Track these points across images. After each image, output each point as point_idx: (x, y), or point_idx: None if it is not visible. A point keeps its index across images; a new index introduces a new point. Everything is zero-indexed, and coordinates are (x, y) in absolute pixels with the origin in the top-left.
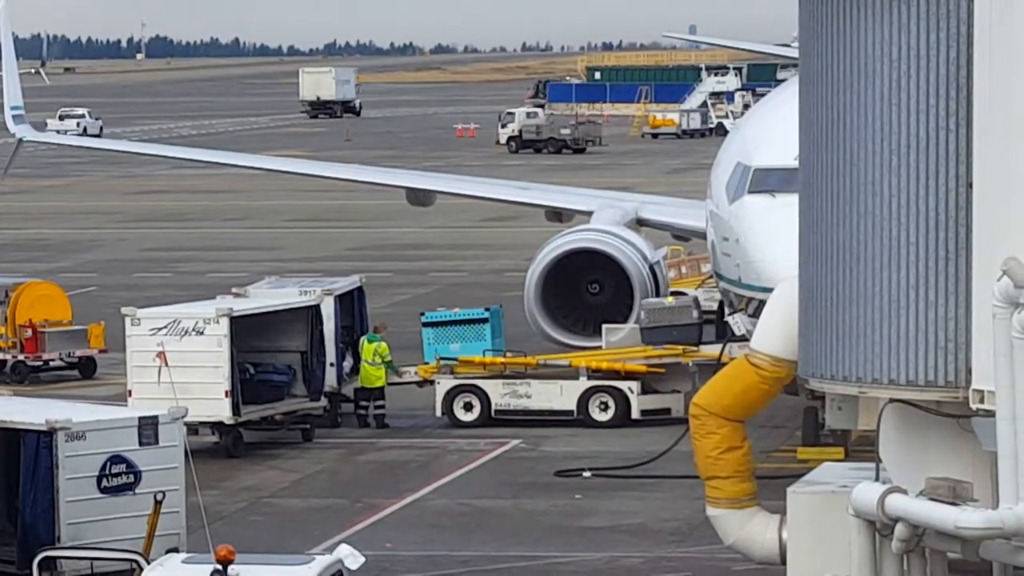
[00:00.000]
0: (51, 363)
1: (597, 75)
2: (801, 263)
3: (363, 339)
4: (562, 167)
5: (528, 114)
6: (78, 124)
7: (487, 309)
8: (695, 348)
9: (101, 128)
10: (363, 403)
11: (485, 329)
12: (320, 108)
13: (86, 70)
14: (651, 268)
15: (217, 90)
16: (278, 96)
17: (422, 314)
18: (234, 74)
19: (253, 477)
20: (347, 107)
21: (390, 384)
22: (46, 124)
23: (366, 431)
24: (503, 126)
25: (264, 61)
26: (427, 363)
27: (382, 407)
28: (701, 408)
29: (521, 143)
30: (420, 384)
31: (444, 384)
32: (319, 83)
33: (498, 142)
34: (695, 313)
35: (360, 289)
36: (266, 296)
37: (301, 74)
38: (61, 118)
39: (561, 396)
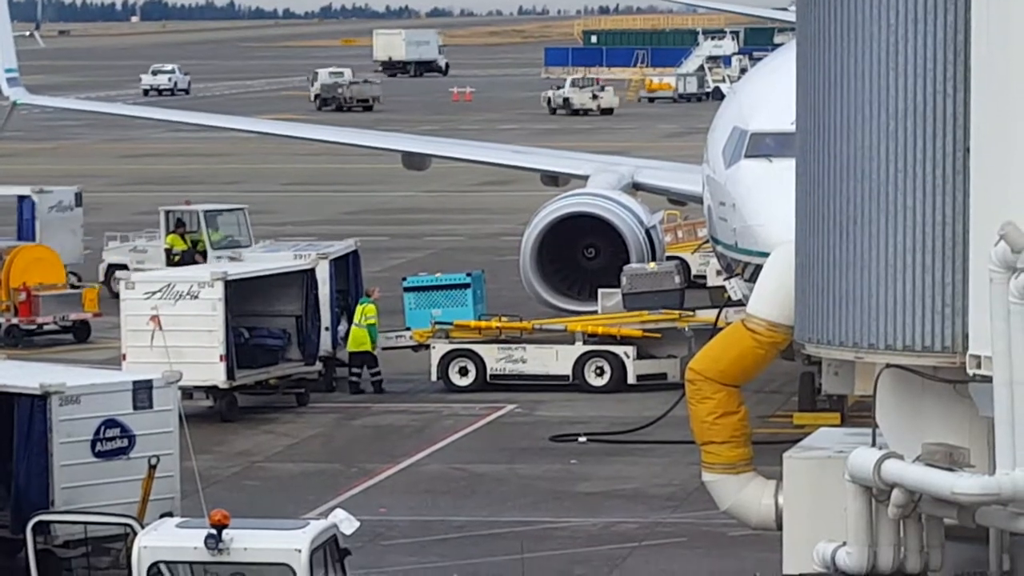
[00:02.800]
0: (45, 327)
1: (594, 39)
2: (798, 228)
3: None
4: (558, 131)
5: (331, 73)
6: (169, 79)
7: (469, 274)
8: (691, 313)
9: (189, 83)
10: (355, 370)
11: (467, 294)
12: (392, 67)
13: (81, 33)
14: (647, 232)
15: (212, 53)
16: (273, 60)
17: (404, 279)
18: (229, 37)
19: (247, 441)
20: (430, 67)
21: (385, 349)
22: (140, 79)
23: (361, 395)
24: (312, 84)
25: (260, 24)
26: (408, 328)
27: (378, 373)
28: (697, 373)
29: (322, 101)
30: (415, 348)
31: (439, 348)
32: (390, 44)
33: (310, 99)
34: (677, 279)
35: (355, 253)
36: (261, 260)
37: (374, 35)
38: (153, 73)
39: (557, 361)
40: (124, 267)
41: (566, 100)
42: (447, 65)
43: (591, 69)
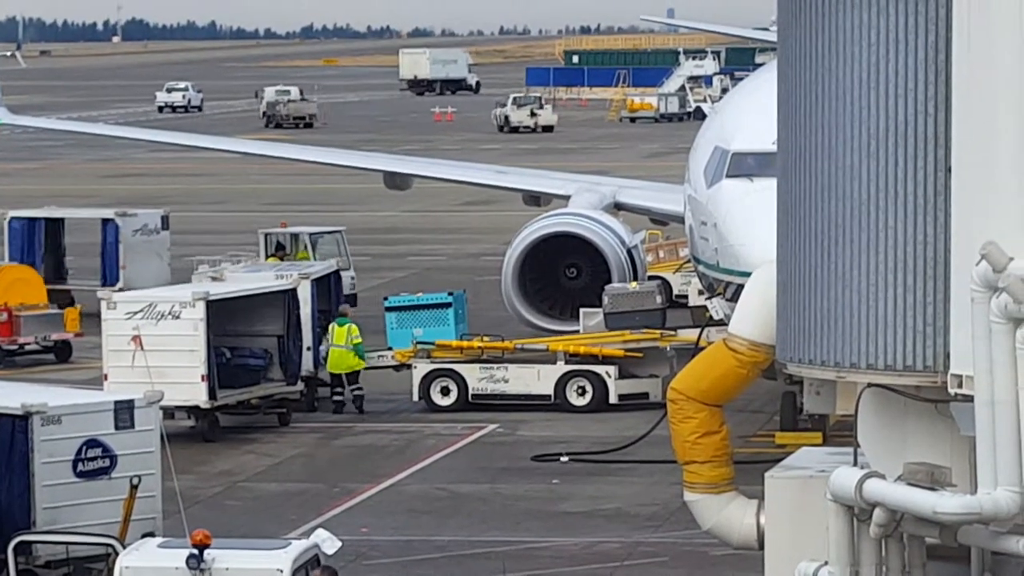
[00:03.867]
0: (26, 347)
1: (575, 59)
2: (779, 247)
3: (332, 324)
4: (539, 151)
5: (277, 91)
6: (183, 96)
7: (451, 294)
8: (673, 333)
9: (202, 100)
10: (338, 389)
11: (448, 314)
12: (417, 86)
13: (62, 53)
14: (629, 252)
15: (194, 74)
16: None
17: (385, 298)
18: (211, 57)
19: (229, 461)
20: (460, 85)
21: (367, 369)
22: (155, 96)
23: (343, 415)
24: (260, 101)
25: (241, 44)
26: (390, 348)
27: (359, 389)
28: (679, 392)
29: (268, 119)
30: (397, 368)
31: (421, 368)
32: (416, 63)
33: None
34: (659, 298)
35: (336, 273)
36: (242, 280)
37: (400, 55)
38: (168, 91)
39: (538, 380)
40: None
41: (506, 118)
42: (478, 83)
43: (572, 89)
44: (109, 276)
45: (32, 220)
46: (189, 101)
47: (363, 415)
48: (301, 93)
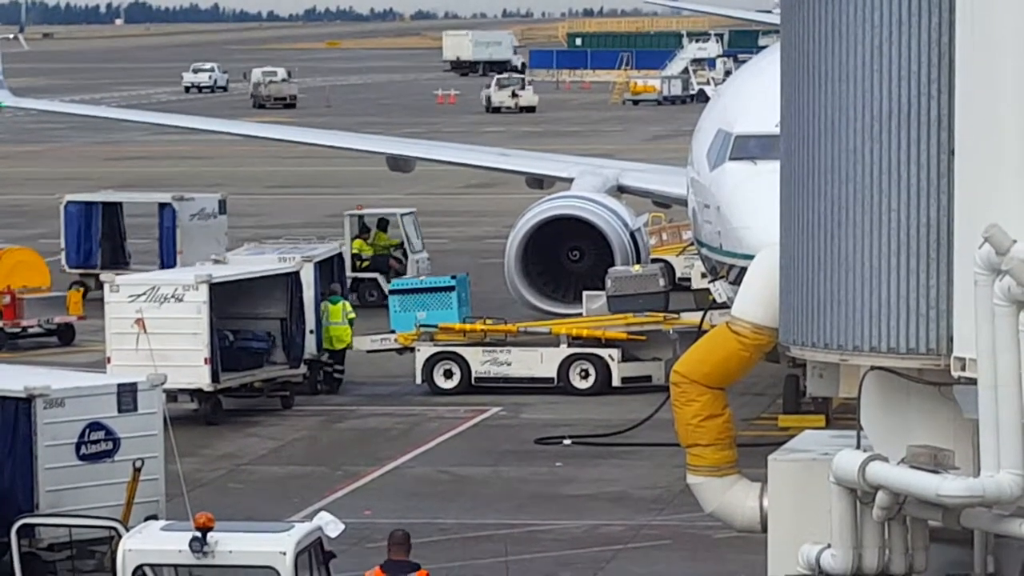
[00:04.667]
0: (30, 330)
1: (578, 41)
2: (782, 230)
3: (325, 304)
4: (542, 134)
5: (264, 73)
6: (209, 77)
7: (454, 277)
8: (676, 316)
9: (227, 81)
10: (339, 366)
11: (451, 297)
12: (461, 67)
13: (65, 35)
14: (632, 235)
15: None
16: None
17: (389, 281)
18: (214, 40)
19: (232, 444)
20: (504, 67)
21: (370, 352)
22: (182, 77)
23: (346, 398)
24: (250, 83)
25: (244, 27)
26: (393, 331)
27: (341, 371)
28: (682, 375)
29: (254, 100)
30: (400, 351)
31: (424, 351)
32: (458, 45)
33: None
34: (661, 281)
35: (340, 256)
36: (245, 263)
37: (444, 36)
38: (194, 71)
39: (541, 363)
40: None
41: (488, 99)
42: (523, 65)
43: (575, 71)
44: (167, 261)
45: (89, 204)
46: (215, 82)
47: (364, 397)
48: (289, 74)
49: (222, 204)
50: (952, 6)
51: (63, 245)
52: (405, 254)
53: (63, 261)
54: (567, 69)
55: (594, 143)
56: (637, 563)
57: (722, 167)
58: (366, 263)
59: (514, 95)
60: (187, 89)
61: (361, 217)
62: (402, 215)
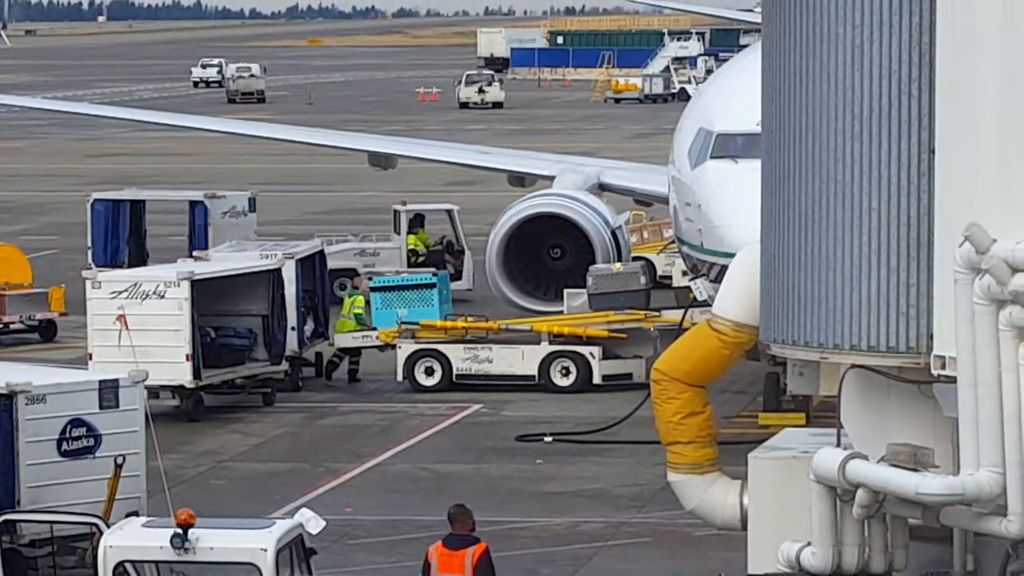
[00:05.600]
0: (11, 326)
1: (560, 40)
2: (763, 228)
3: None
4: (524, 131)
5: (238, 68)
6: (217, 72)
7: (435, 273)
8: (657, 313)
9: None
10: (353, 358)
11: (433, 294)
12: (494, 64)
13: (47, 32)
14: (613, 233)
15: (178, 53)
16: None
17: (370, 279)
18: (196, 37)
19: (214, 441)
20: None
21: (351, 348)
22: (191, 72)
23: (328, 395)
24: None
25: (226, 24)
26: (375, 328)
27: (333, 365)
28: (662, 373)
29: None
30: (381, 348)
31: (405, 348)
32: (492, 42)
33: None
34: (642, 279)
35: (321, 253)
36: (227, 260)
37: (478, 34)
38: (203, 66)
39: (523, 361)
40: (353, 272)
41: (458, 96)
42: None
43: (557, 70)
44: None
45: (116, 202)
46: (224, 76)
47: (348, 394)
48: (264, 70)
49: (252, 202)
50: (932, 6)
51: (89, 243)
52: (451, 250)
53: (89, 259)
54: (548, 67)
55: (576, 141)
56: (617, 560)
57: (703, 165)
58: (422, 259)
59: (481, 91)
60: (196, 84)
61: (420, 214)
62: (448, 211)
